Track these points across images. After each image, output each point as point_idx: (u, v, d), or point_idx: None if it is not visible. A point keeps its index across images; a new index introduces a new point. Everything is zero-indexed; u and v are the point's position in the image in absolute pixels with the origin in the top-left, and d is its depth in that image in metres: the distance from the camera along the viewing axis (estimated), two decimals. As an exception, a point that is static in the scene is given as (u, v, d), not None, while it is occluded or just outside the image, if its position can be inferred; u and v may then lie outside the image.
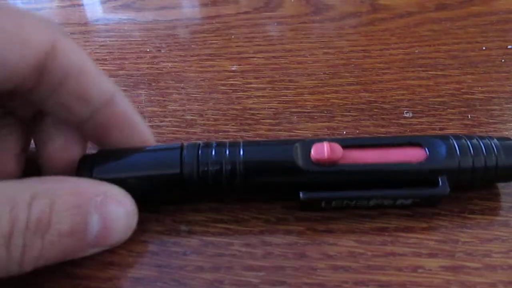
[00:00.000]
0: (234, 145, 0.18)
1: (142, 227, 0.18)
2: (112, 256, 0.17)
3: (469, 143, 0.18)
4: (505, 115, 0.23)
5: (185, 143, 0.18)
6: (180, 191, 0.18)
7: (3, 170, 0.18)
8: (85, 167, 0.17)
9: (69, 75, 0.17)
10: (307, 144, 0.18)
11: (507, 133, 0.22)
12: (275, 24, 0.30)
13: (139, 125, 0.19)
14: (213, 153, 0.18)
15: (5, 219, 0.14)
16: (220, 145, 0.18)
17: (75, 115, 0.18)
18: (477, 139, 0.18)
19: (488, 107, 0.23)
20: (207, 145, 0.18)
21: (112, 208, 0.16)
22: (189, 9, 0.34)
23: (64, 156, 0.18)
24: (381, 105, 0.24)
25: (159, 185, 0.18)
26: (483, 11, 0.30)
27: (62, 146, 0.18)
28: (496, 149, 0.18)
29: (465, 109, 0.23)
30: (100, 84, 0.17)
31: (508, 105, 0.23)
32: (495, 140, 0.18)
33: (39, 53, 0.16)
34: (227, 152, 0.18)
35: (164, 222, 0.18)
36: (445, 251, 0.17)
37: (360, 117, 0.23)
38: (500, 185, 0.20)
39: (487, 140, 0.18)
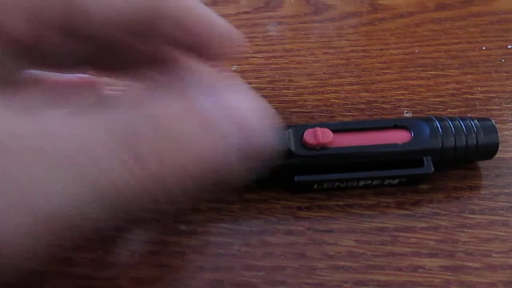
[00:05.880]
0: None
1: (142, 227, 0.18)
2: (112, 256, 0.17)
3: (451, 124, 0.19)
4: (505, 115, 0.23)
5: None
6: None
7: None
8: None
9: (180, 16, 0.16)
10: (300, 130, 0.19)
11: (507, 133, 0.22)
12: (275, 24, 0.30)
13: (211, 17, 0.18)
14: None
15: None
16: None
17: (174, 43, 0.17)
18: (458, 120, 0.19)
19: (488, 107, 0.23)
20: None
21: (238, 100, 0.13)
22: (189, 9, 0.34)
23: None
24: (381, 105, 0.24)
25: None
26: (483, 11, 0.30)
27: None
28: (476, 129, 0.19)
29: (465, 109, 0.23)
30: (201, 14, 0.17)
31: (508, 105, 0.23)
32: (476, 121, 0.19)
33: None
34: None
35: (164, 222, 0.18)
36: (445, 251, 0.17)
37: (360, 117, 0.23)
38: (500, 185, 0.20)
39: (468, 121, 0.19)
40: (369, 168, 0.19)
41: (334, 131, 0.19)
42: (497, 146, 0.19)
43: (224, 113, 0.13)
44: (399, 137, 0.19)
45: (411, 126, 0.19)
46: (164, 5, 0.16)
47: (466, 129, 0.19)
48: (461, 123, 0.19)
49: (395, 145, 0.19)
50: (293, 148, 0.18)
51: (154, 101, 0.13)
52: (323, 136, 0.18)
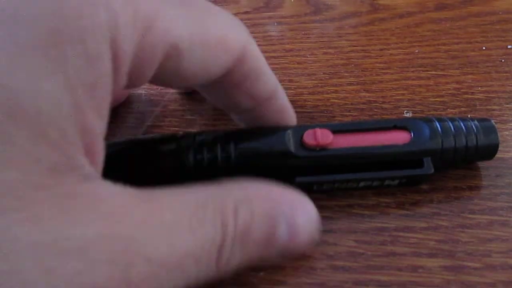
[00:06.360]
0: (228, 134, 0.19)
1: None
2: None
3: (451, 124, 0.19)
4: (505, 115, 0.23)
5: (180, 134, 0.19)
6: (179, 177, 0.18)
7: None
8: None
9: (248, 78, 0.17)
10: (299, 131, 0.19)
11: (507, 133, 0.22)
12: (275, 24, 0.30)
13: (290, 114, 0.20)
14: (208, 143, 0.18)
15: (219, 230, 0.14)
16: (214, 135, 0.19)
17: (238, 107, 0.19)
18: (458, 121, 0.19)
19: (488, 107, 0.23)
20: (202, 135, 0.19)
21: (299, 218, 0.15)
22: (189, 9, 0.34)
23: None
24: (381, 105, 0.24)
25: (160, 172, 0.19)
26: (483, 11, 0.30)
27: None
28: (476, 130, 0.19)
29: (465, 109, 0.23)
30: (269, 83, 0.18)
31: (508, 105, 0.23)
32: (476, 121, 0.19)
33: (234, 57, 0.16)
34: (221, 142, 0.18)
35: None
36: (445, 251, 0.17)
37: (360, 117, 0.23)
38: (501, 185, 0.20)
39: (468, 121, 0.19)
40: (369, 168, 0.19)
41: (333, 131, 0.19)
42: (497, 147, 0.19)
43: (287, 229, 0.15)
44: (399, 137, 0.19)
45: (411, 126, 0.19)
46: (246, 54, 0.17)
47: (466, 130, 0.19)
48: (461, 123, 0.19)
49: (395, 146, 0.18)
50: (293, 149, 0.18)
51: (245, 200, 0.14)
52: (322, 137, 0.18)
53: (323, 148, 0.18)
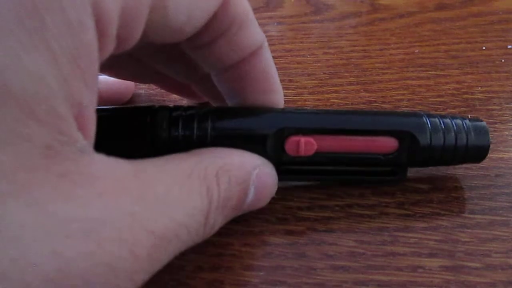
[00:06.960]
0: (206, 111, 0.17)
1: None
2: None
3: (442, 135, 0.18)
4: (505, 115, 0.23)
5: (156, 106, 0.18)
6: (151, 151, 0.17)
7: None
8: None
9: (233, 24, 0.16)
10: (282, 136, 0.17)
11: (507, 133, 0.22)
12: (275, 24, 0.30)
13: (275, 84, 0.18)
14: (184, 118, 0.17)
15: (205, 199, 0.15)
16: (193, 111, 0.17)
17: (220, 62, 0.17)
18: (452, 130, 0.18)
19: (488, 107, 0.23)
20: (179, 109, 0.18)
21: (264, 180, 0.17)
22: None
23: None
24: (381, 105, 0.24)
25: (131, 144, 0.18)
26: (483, 11, 0.30)
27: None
28: (467, 133, 0.18)
29: (465, 109, 0.23)
30: (254, 33, 0.17)
31: (508, 105, 0.23)
32: (467, 121, 0.18)
33: (217, 2, 0.15)
34: (198, 119, 0.17)
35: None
36: (445, 251, 0.17)
37: (360, 117, 0.23)
38: (500, 185, 0.20)
39: (462, 126, 0.18)
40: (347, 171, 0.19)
41: (318, 133, 0.18)
42: (488, 148, 0.18)
43: (254, 192, 0.17)
44: (385, 145, 0.18)
45: (401, 135, 0.18)
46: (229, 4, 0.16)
47: (457, 142, 0.18)
48: (454, 132, 0.18)
49: (379, 157, 0.18)
50: (273, 156, 0.17)
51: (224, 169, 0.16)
52: (306, 149, 0.17)
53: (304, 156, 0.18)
